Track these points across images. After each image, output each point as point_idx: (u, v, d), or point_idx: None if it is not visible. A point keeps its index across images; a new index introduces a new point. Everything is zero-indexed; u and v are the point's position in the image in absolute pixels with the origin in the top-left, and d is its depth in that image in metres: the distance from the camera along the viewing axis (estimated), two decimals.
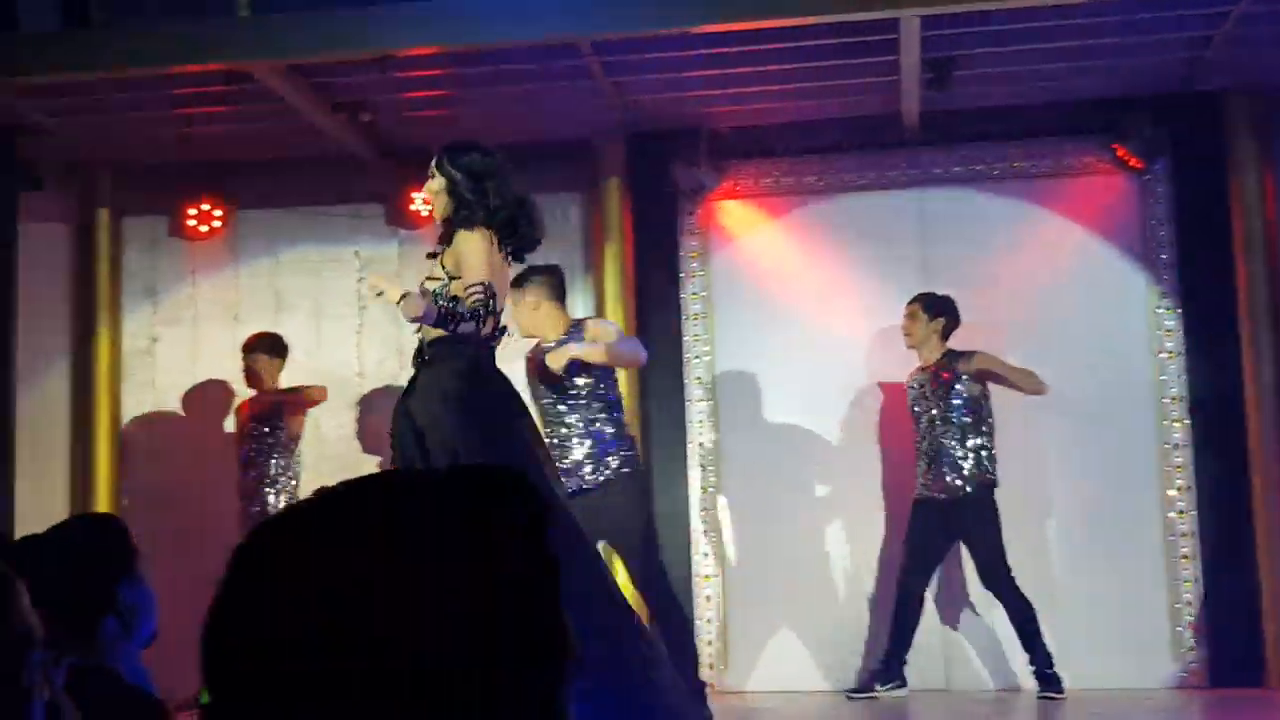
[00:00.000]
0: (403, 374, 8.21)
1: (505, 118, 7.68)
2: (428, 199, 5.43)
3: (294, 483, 7.63)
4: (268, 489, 7.57)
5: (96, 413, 8.36)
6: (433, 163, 5.32)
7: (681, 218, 8.01)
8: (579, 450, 6.34)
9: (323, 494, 1.12)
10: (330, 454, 8.16)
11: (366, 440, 8.31)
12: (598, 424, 6.32)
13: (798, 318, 7.88)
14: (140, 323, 8.49)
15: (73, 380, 8.47)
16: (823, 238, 7.98)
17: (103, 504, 8.19)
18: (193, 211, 8.28)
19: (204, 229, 8.32)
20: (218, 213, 8.30)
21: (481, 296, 4.90)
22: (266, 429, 7.66)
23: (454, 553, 1.05)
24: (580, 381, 6.34)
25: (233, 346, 8.17)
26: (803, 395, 7.88)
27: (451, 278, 5.04)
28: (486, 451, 4.85)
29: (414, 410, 5.04)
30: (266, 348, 7.75)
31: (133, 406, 8.45)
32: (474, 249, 5.01)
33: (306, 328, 8.32)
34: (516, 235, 5.15)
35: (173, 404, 8.43)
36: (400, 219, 8.27)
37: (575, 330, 6.44)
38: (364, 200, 8.32)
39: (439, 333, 4.97)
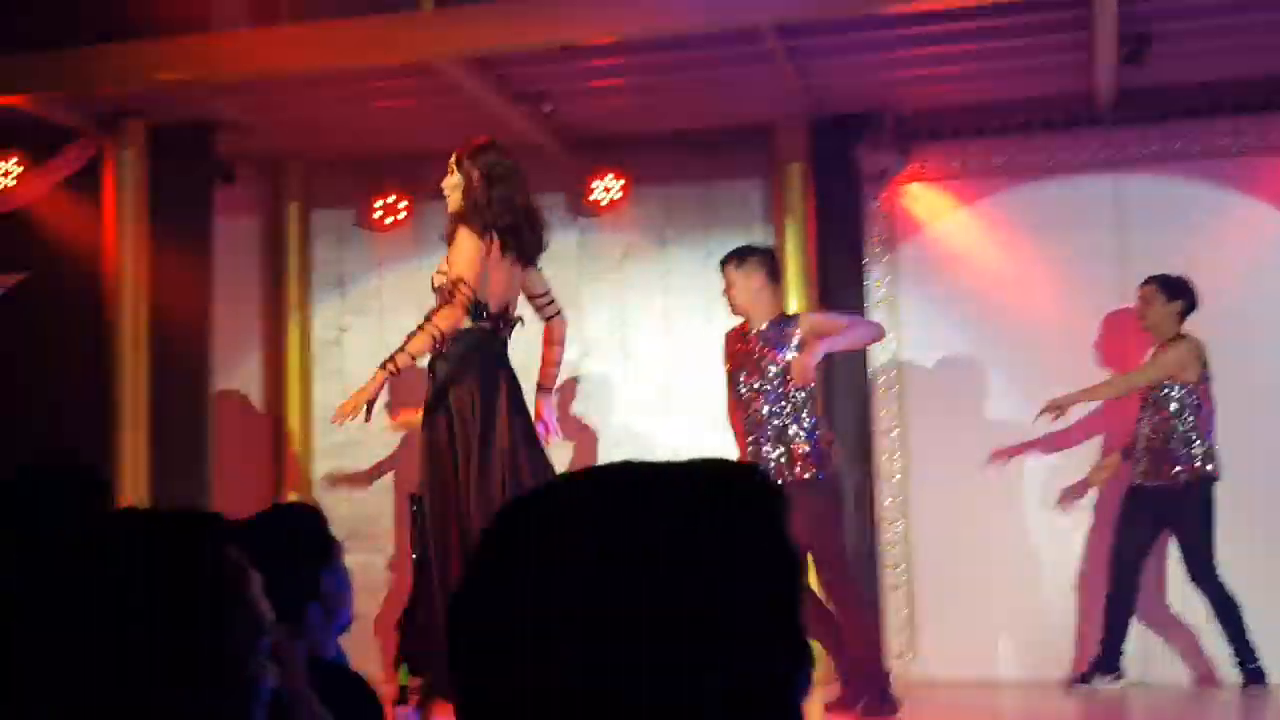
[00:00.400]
0: (582, 363, 8.26)
1: (686, 104, 7.63)
2: (446, 192, 5.85)
3: None
4: None
5: (288, 402, 8.54)
6: (452, 159, 5.75)
7: (865, 202, 7.85)
8: (770, 449, 6.29)
9: (566, 481, 1.14)
10: None
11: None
12: (789, 423, 6.27)
13: (986, 304, 7.69)
14: (329, 313, 8.64)
15: (265, 370, 8.67)
16: (1013, 222, 7.76)
17: (295, 492, 8.37)
18: (379, 204, 8.39)
19: (389, 221, 8.43)
20: (403, 204, 8.40)
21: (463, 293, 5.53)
22: None
23: (699, 545, 1.06)
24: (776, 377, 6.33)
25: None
26: (992, 383, 7.68)
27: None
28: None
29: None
30: None
31: (322, 396, 8.60)
32: (463, 247, 5.58)
33: None
34: (519, 240, 5.69)
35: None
36: (580, 208, 8.26)
37: (785, 322, 6.42)
38: (544, 190, 8.32)
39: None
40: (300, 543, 3.14)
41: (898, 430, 7.78)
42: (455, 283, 5.54)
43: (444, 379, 5.65)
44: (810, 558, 6.21)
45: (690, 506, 1.08)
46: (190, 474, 7.70)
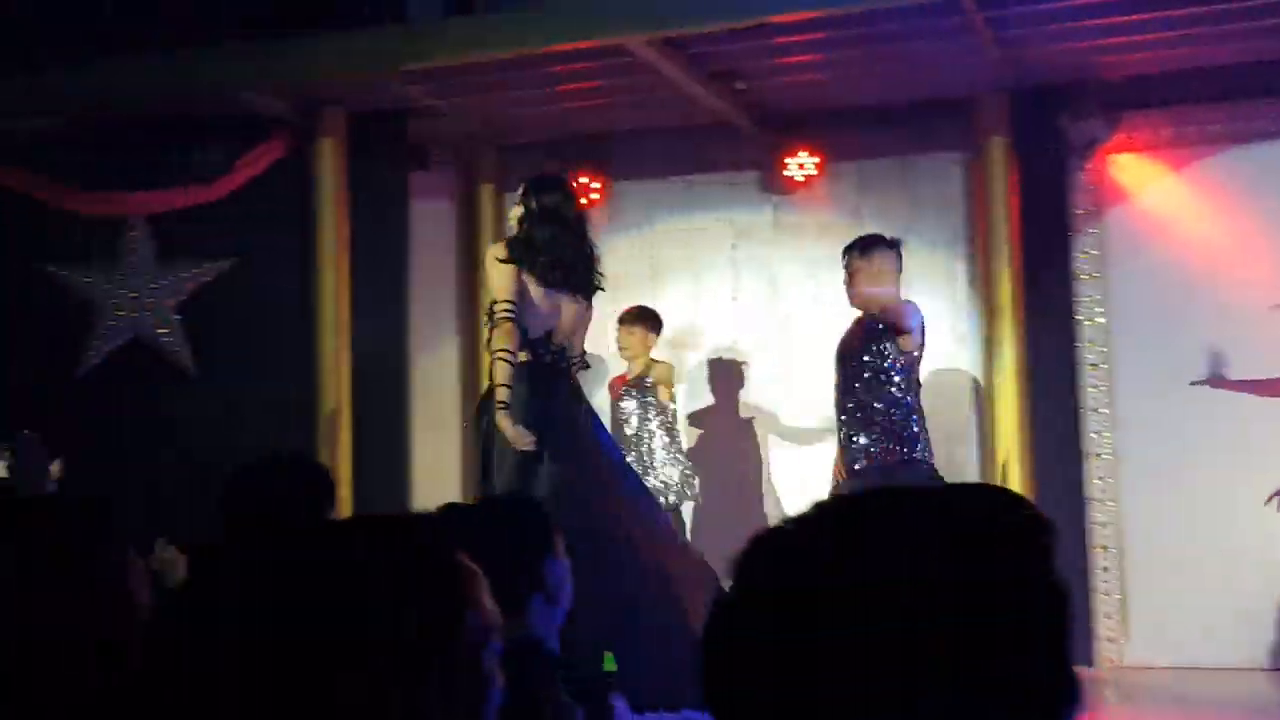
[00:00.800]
0: (778, 339, 8.18)
1: (881, 79, 7.47)
2: (509, 218, 6.14)
3: (678, 454, 7.65)
4: (646, 458, 7.63)
5: (482, 381, 8.59)
6: (519, 191, 6.04)
7: (1071, 174, 7.59)
8: (860, 434, 6.34)
9: (832, 508, 1.14)
10: (706, 428, 8.22)
11: (743, 410, 8.30)
12: (880, 409, 6.22)
13: (1199, 275, 7.39)
14: None
15: (461, 352, 8.76)
16: (1226, 190, 7.44)
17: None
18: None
19: (582, 202, 8.41)
20: (595, 185, 8.39)
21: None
22: (637, 401, 7.72)
23: (973, 579, 1.06)
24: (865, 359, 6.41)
25: (611, 316, 8.29)
26: (1206, 356, 7.38)
27: None
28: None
29: None
30: (647, 320, 7.80)
31: None
32: (490, 273, 5.89)
33: (683, 297, 8.34)
34: (566, 275, 5.91)
35: None
36: (774, 186, 8.18)
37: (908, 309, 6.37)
38: (738, 168, 8.28)
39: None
40: (523, 533, 3.12)
41: (1107, 408, 7.54)
42: (492, 304, 5.85)
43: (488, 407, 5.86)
44: None
45: (962, 539, 1.07)
46: (391, 458, 7.83)
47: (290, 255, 7.68)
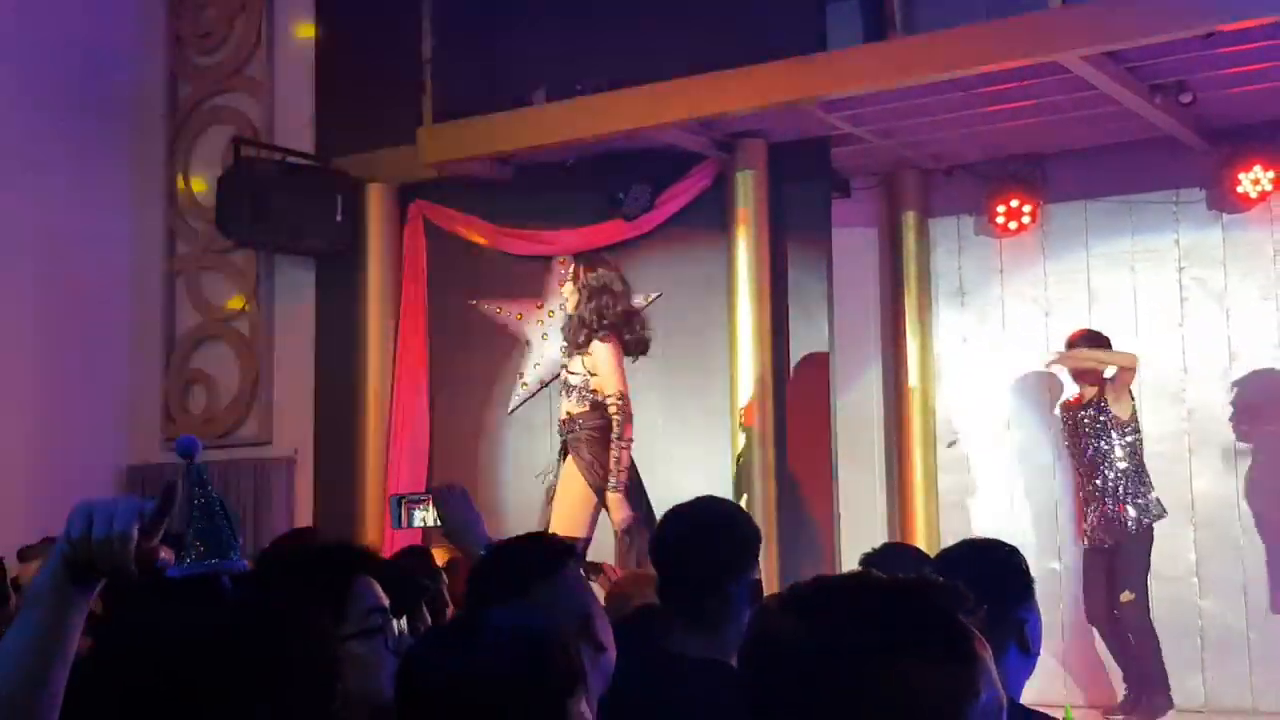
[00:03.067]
0: (1232, 369, 7.55)
1: None
2: (565, 295, 7.14)
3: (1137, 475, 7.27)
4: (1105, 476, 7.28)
5: (908, 412, 8.36)
6: (571, 269, 7.15)
7: None
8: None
9: None
10: (1154, 451, 7.65)
11: (1191, 438, 7.72)
12: None
13: None
14: (949, 322, 8.38)
15: (884, 381, 8.52)
16: None
17: (917, 506, 8.19)
18: (1001, 209, 8.02)
19: (1012, 225, 8.03)
20: (1026, 208, 7.98)
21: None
22: (1092, 415, 7.35)
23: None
24: None
25: (1043, 344, 7.89)
26: None
27: (590, 374, 6.85)
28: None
29: None
30: (1094, 341, 7.42)
31: (944, 406, 8.36)
32: (615, 364, 6.83)
33: (1122, 323, 7.82)
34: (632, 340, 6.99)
35: (983, 403, 8.25)
36: (1224, 204, 7.57)
37: None
38: (1183, 186, 7.71)
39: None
40: (1005, 581, 2.88)
41: None
42: (620, 397, 6.78)
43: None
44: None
45: None
46: (815, 482, 7.66)
47: (714, 286, 7.66)
